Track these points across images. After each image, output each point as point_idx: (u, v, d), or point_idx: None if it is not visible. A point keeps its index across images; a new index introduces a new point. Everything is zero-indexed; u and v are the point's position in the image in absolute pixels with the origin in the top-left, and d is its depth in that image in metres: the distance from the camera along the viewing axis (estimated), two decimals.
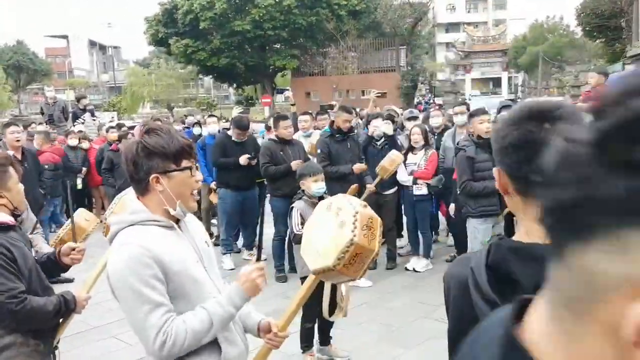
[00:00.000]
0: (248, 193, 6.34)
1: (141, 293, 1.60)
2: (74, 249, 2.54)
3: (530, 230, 1.05)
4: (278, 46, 31.21)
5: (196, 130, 8.38)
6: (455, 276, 1.15)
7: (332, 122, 6.12)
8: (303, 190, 4.04)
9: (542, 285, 0.79)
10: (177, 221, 1.78)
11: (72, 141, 8.50)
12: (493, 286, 1.00)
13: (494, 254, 1.04)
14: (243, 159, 6.07)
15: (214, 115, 8.05)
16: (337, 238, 1.71)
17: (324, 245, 1.75)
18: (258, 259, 1.84)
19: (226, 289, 1.77)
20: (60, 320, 2.42)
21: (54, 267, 2.56)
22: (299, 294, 1.88)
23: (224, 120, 10.75)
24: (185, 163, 1.73)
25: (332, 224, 1.81)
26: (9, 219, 2.31)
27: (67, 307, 2.36)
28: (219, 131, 7.22)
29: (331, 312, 3.38)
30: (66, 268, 2.60)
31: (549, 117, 1.02)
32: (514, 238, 1.08)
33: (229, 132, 6.52)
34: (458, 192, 5.03)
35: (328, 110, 8.83)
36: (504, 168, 1.09)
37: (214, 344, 1.74)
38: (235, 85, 36.80)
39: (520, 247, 1.03)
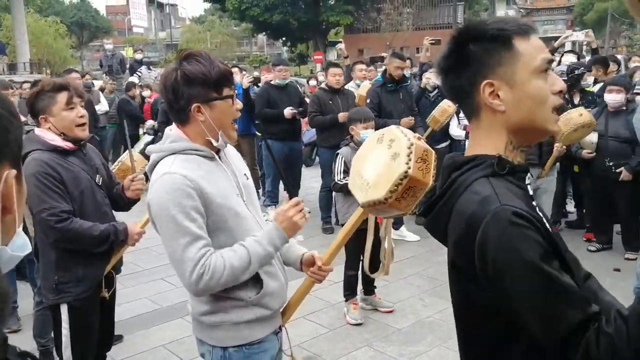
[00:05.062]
0: (294, 144, 6.21)
1: (181, 225, 1.55)
2: (133, 180, 2.55)
3: None
4: (332, 2, 30.51)
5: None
6: None
7: (385, 70, 5.85)
8: (351, 137, 3.89)
9: None
10: (218, 151, 1.72)
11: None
12: None
13: None
14: (287, 112, 5.83)
15: (237, 67, 7.91)
16: (389, 170, 1.59)
17: (375, 177, 1.64)
18: (292, 196, 1.74)
19: (265, 229, 1.70)
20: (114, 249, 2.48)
21: (122, 200, 2.60)
22: (345, 227, 1.79)
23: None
24: (226, 91, 1.65)
25: (384, 156, 1.69)
26: (62, 142, 2.32)
27: (117, 237, 2.39)
28: (256, 85, 6.96)
29: (374, 268, 3.28)
30: (131, 202, 2.62)
31: None
32: None
33: (270, 81, 6.21)
34: None
35: (378, 62, 8.52)
36: None
37: (255, 277, 1.69)
38: (288, 42, 36.47)
39: None
